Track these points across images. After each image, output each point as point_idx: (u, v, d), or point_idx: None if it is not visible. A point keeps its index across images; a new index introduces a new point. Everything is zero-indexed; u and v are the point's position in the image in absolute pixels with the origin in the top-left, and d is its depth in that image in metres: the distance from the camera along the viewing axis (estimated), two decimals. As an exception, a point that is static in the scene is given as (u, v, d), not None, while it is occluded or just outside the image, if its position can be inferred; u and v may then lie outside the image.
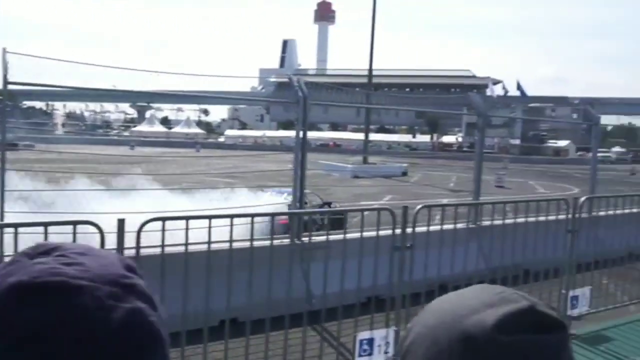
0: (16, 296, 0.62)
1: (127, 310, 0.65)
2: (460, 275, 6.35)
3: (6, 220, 6.36)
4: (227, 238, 5.15)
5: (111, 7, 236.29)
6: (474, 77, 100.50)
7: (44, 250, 0.68)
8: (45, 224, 4.20)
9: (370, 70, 46.85)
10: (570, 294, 6.98)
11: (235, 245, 5.25)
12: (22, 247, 4.39)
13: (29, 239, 4.48)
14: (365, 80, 50.62)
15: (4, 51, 6.90)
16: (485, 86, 70.00)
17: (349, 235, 6.10)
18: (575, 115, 66.00)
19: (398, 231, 5.93)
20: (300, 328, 5.69)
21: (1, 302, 0.62)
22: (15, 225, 4.16)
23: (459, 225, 6.74)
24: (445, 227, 6.63)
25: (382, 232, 6.06)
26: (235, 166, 11.50)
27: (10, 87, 7.05)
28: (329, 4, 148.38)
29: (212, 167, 11.45)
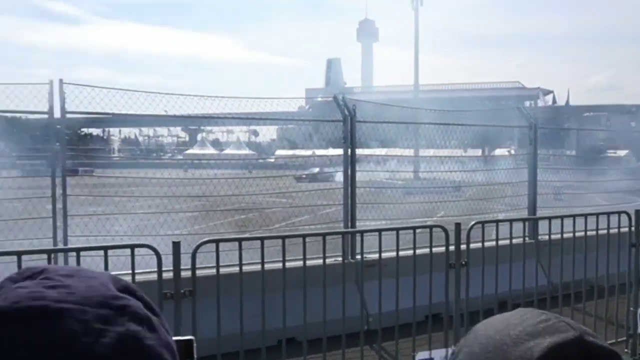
0: None
1: (119, 335, 0.60)
2: (520, 292, 6.17)
3: (69, 245, 6.59)
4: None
5: (158, 34, 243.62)
6: (523, 88, 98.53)
7: (30, 274, 0.66)
8: (105, 248, 4.32)
9: (417, 85, 46.66)
10: (639, 312, 6.66)
11: (289, 265, 5.27)
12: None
13: (92, 262, 4.63)
14: (411, 95, 50.38)
15: (61, 82, 7.21)
16: (536, 97, 68.46)
17: (402, 253, 6.03)
18: (633, 124, 63.64)
19: (452, 248, 5.83)
20: (357, 348, 5.63)
21: None
22: (78, 250, 4.30)
23: (515, 241, 6.56)
24: (501, 242, 6.47)
25: (435, 250, 5.97)
26: (287, 186, 11.64)
27: (68, 116, 7.36)
28: (372, 22, 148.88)
29: (264, 187, 11.65)
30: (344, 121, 8.51)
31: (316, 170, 20.48)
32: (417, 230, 6.54)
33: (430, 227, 6.11)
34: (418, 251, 6.03)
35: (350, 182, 8.49)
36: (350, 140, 8.48)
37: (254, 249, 5.17)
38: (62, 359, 0.57)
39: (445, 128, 11.75)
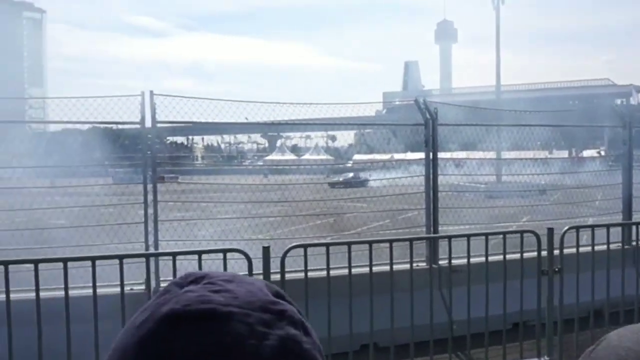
0: (170, 325, 0.62)
1: (280, 338, 0.63)
2: (618, 300, 5.84)
3: (160, 249, 6.86)
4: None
5: (237, 43, 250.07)
6: (614, 85, 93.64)
7: (193, 279, 0.69)
8: (199, 252, 4.47)
9: (498, 86, 45.38)
10: None
11: (375, 269, 5.24)
12: (178, 274, 4.70)
13: (181, 266, 4.79)
14: (493, 97, 49.02)
15: (151, 93, 7.53)
16: (629, 94, 64.91)
17: (490, 259, 5.85)
18: None
19: (544, 254, 5.60)
20: (445, 355, 5.52)
21: (157, 331, 0.63)
22: (174, 254, 4.47)
23: (612, 247, 6.22)
24: (597, 248, 6.15)
25: (526, 255, 5.76)
26: (365, 190, 11.63)
27: (158, 125, 7.68)
28: (450, 23, 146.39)
29: (343, 192, 11.71)
30: (425, 124, 8.41)
31: (350, 175, 20.29)
32: (500, 236, 6.34)
33: (521, 232, 5.91)
34: (499, 257, 5.84)
35: (433, 186, 8.37)
36: (432, 144, 8.36)
37: (338, 254, 5.18)
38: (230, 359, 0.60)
39: (529, 129, 11.35)
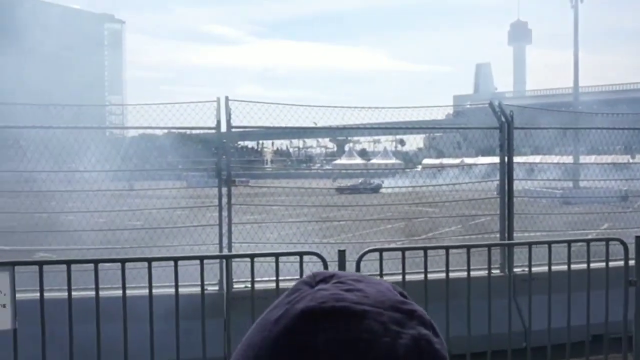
0: (306, 321, 0.64)
1: (413, 337, 0.64)
2: None
3: (234, 251, 7.01)
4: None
5: (306, 49, 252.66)
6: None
7: (322, 278, 0.71)
8: (276, 255, 4.54)
9: (576, 87, 43.64)
10: None
11: (436, 276, 5.17)
12: (256, 276, 4.76)
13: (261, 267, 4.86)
14: (569, 99, 47.21)
15: (227, 99, 7.72)
16: None
17: (557, 268, 5.61)
18: None
19: (631, 263, 5.33)
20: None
21: (295, 327, 0.64)
22: (252, 256, 4.56)
23: None
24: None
25: (611, 264, 5.49)
26: (437, 193, 11.41)
27: (233, 130, 7.86)
28: (524, 23, 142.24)
29: (412, 196, 11.55)
30: (500, 128, 8.20)
31: (359, 181, 19.78)
32: (579, 244, 6.08)
33: (607, 239, 5.64)
34: (578, 266, 5.60)
35: (508, 191, 8.15)
36: (507, 148, 8.15)
37: (408, 259, 5.11)
38: (366, 356, 0.62)
39: (608, 132, 10.84)
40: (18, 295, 4.28)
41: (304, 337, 0.63)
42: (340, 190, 14.20)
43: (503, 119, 8.10)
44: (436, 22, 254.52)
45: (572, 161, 15.32)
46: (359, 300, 0.65)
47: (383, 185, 16.82)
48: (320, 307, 0.65)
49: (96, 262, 4.46)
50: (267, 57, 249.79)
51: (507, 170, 8.15)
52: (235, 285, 6.58)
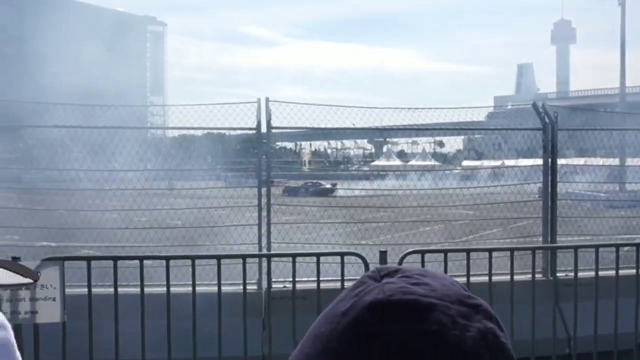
0: (374, 313, 0.65)
1: (480, 330, 0.64)
2: None
3: (272, 250, 7.06)
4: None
5: (345, 50, 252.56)
6: None
7: (387, 272, 0.71)
8: (317, 255, 4.58)
9: (623, 88, 42.39)
10: None
11: (480, 279, 5.10)
12: (298, 274, 4.78)
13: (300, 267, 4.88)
14: (615, 99, 45.90)
15: (267, 100, 7.77)
16: None
17: (605, 273, 5.46)
18: None
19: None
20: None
21: (364, 318, 0.65)
22: (294, 255, 4.60)
23: None
24: None
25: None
26: (477, 196, 11.25)
27: (273, 130, 7.92)
28: (568, 22, 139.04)
29: (450, 199, 11.41)
30: (543, 129, 8.04)
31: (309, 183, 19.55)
32: (625, 248, 5.91)
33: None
34: (626, 272, 5.44)
35: (551, 194, 7.98)
36: (550, 150, 7.98)
37: (454, 261, 5.07)
38: (435, 348, 0.63)
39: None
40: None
41: (373, 328, 0.64)
42: (288, 192, 14.26)
43: (547, 120, 7.95)
44: (477, 22, 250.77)
45: (617, 163, 14.94)
46: (427, 293, 0.66)
47: (337, 188, 16.77)
48: (389, 299, 0.66)
49: (141, 258, 4.57)
50: (306, 58, 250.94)
51: (550, 173, 7.98)
52: (275, 285, 6.62)
